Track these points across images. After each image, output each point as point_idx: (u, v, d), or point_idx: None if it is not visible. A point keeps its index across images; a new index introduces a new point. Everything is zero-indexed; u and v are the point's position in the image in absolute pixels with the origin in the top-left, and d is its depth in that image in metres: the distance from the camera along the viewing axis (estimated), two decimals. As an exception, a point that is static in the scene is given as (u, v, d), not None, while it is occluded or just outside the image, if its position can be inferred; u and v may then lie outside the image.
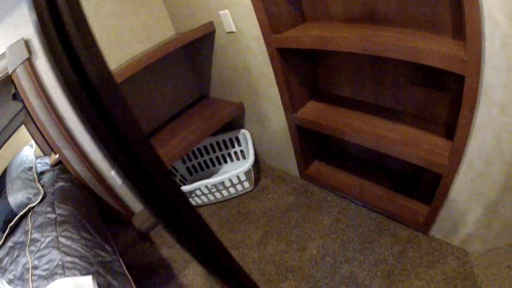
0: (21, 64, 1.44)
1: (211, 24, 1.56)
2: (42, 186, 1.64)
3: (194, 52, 1.78)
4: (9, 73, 1.47)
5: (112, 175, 1.69)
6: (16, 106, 1.91)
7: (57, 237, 1.23)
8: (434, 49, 0.93)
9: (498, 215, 1.11)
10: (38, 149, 2.08)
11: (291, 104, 1.48)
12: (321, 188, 1.72)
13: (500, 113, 0.92)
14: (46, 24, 0.29)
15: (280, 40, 1.29)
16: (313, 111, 1.50)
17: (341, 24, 1.29)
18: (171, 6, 1.75)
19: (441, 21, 1.06)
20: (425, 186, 1.49)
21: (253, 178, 1.78)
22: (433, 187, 1.25)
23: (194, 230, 0.37)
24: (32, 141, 2.06)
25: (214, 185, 1.65)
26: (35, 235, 1.30)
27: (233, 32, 1.50)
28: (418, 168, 1.27)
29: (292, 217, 1.60)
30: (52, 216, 1.38)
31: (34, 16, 0.28)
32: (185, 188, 1.64)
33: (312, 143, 1.74)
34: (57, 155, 1.71)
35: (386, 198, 1.50)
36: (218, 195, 1.74)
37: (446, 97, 1.21)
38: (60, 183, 1.66)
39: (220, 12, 1.47)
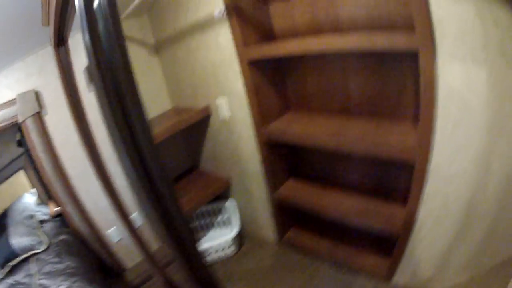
0: (31, 116, 1.53)
1: (208, 108, 1.80)
2: (46, 235, 1.74)
3: (189, 129, 1.93)
4: (19, 122, 1.54)
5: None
6: (18, 150, 1.99)
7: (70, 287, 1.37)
8: (391, 145, 1.19)
9: (453, 259, 1.30)
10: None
11: (273, 184, 1.72)
12: (296, 251, 1.92)
13: (446, 183, 1.14)
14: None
15: (268, 133, 1.55)
16: (291, 189, 1.75)
17: (319, 117, 1.57)
18: (171, 81, 1.96)
19: (402, 110, 1.34)
20: (387, 243, 1.67)
21: (237, 243, 1.98)
22: (394, 244, 1.45)
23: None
24: (33, 190, 2.15)
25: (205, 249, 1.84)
26: (44, 281, 1.42)
27: (227, 120, 1.74)
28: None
29: (270, 278, 1.79)
30: (61, 266, 1.51)
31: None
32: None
33: (289, 215, 1.96)
34: (59, 208, 1.83)
35: (353, 255, 1.72)
36: (207, 258, 1.91)
37: (402, 172, 1.46)
38: (64, 236, 1.78)
39: (217, 100, 1.71)
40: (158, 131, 1.63)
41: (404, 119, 1.34)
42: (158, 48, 1.94)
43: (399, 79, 1.30)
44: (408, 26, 1.04)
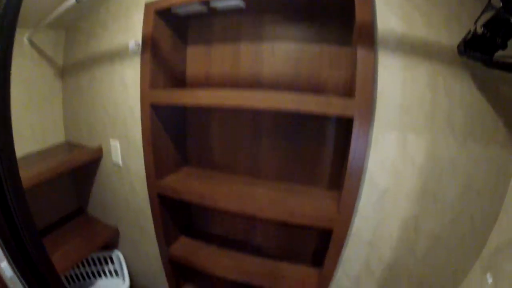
0: None
1: (101, 150, 1.61)
2: None
3: (79, 167, 1.70)
4: None
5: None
6: None
7: None
8: (306, 212, 1.10)
9: None
10: None
11: (165, 240, 1.55)
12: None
13: (368, 246, 1.13)
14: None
15: (162, 187, 1.39)
16: (185, 247, 1.59)
17: (222, 174, 1.46)
18: (69, 112, 1.73)
19: (320, 174, 1.29)
20: None
21: (129, 297, 1.76)
22: None
23: None
24: None
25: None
26: None
27: (119, 165, 1.56)
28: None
29: None
30: None
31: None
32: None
33: (182, 270, 1.78)
34: None
35: None
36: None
37: (312, 233, 1.42)
38: None
39: (112, 142, 1.54)
40: (40, 170, 1.37)
41: (319, 184, 1.31)
42: (64, 71, 1.70)
43: (315, 141, 1.28)
44: (339, 91, 1.03)
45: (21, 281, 0.78)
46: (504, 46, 0.72)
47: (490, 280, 0.91)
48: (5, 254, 0.73)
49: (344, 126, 1.16)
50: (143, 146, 1.38)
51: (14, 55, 1.41)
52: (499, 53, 0.75)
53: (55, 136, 1.77)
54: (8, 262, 0.74)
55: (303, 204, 1.17)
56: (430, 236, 1.06)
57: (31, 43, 1.52)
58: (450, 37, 0.90)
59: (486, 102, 0.91)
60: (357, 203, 1.06)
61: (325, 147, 1.27)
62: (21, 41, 1.48)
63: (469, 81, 0.91)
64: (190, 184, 1.37)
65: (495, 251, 0.95)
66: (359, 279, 1.22)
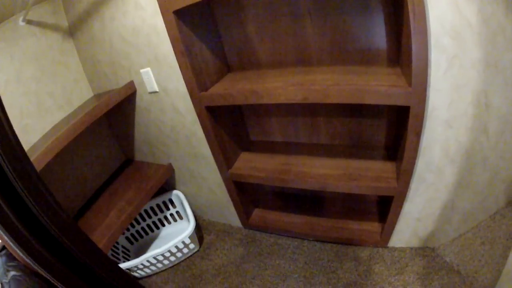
0: None
1: (131, 84, 1.48)
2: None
3: (115, 114, 1.67)
4: None
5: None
6: None
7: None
8: (377, 89, 0.96)
9: (456, 209, 1.20)
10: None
11: (225, 161, 1.44)
12: (268, 234, 1.70)
13: (446, 128, 1.01)
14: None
15: (209, 98, 1.25)
16: (248, 163, 1.48)
17: (270, 71, 1.30)
18: (89, 65, 1.63)
19: (376, 51, 1.11)
20: (375, 206, 1.56)
21: (197, 239, 1.70)
22: (384, 205, 1.29)
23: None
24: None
25: (162, 254, 1.54)
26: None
27: (156, 92, 1.44)
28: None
29: (247, 268, 1.54)
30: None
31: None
32: (132, 262, 1.49)
33: (250, 193, 1.72)
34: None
35: (336, 227, 1.54)
36: (166, 261, 1.61)
37: (382, 122, 1.28)
38: (12, 273, 1.42)
39: (141, 70, 1.41)
40: (78, 120, 1.29)
41: (378, 61, 1.14)
42: (72, 30, 1.58)
43: (366, 11, 1.07)
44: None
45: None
46: None
47: None
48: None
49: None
50: (177, 60, 1.23)
51: (15, 41, 1.35)
52: None
53: (82, 95, 1.68)
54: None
55: (369, 83, 1.00)
56: (500, 116, 0.96)
57: (29, 22, 1.43)
58: None
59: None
60: (429, 73, 0.92)
61: (376, 15, 1.06)
62: (18, 26, 1.41)
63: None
64: (240, 87, 1.22)
65: None
66: (440, 169, 1.11)
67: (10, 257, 1.52)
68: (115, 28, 1.38)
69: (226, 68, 1.42)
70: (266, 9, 1.21)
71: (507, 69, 0.88)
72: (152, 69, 1.38)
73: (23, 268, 1.44)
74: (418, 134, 1.01)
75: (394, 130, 1.27)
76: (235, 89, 1.21)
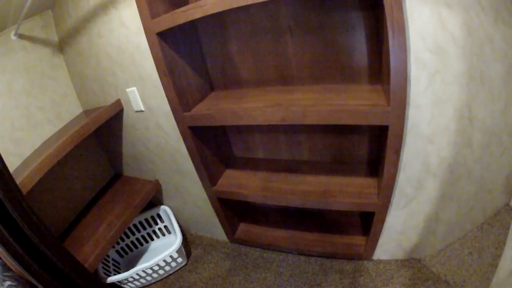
0: None
1: (118, 102, 1.50)
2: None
3: (103, 130, 1.68)
4: None
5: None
6: None
7: None
8: (355, 108, 0.96)
9: (441, 221, 1.21)
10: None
11: (208, 178, 1.46)
12: (253, 247, 1.73)
13: (427, 143, 1.02)
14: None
15: (192, 118, 1.27)
16: (232, 180, 1.50)
17: (252, 90, 1.32)
18: (77, 80, 1.65)
19: (357, 68, 1.12)
20: (358, 220, 1.58)
21: (184, 253, 1.72)
22: (367, 219, 1.31)
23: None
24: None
25: (151, 268, 1.56)
26: None
27: (141, 110, 1.46)
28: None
29: (234, 282, 1.56)
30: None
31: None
32: (122, 275, 1.51)
33: (235, 208, 1.74)
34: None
35: (320, 241, 1.56)
36: (155, 275, 1.63)
37: (364, 137, 1.29)
38: (8, 282, 1.41)
39: (128, 89, 1.43)
40: (67, 137, 1.32)
41: (359, 79, 1.15)
42: (62, 45, 1.61)
43: (348, 29, 1.09)
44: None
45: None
46: None
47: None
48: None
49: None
50: (161, 80, 1.25)
51: (7, 55, 1.37)
52: None
53: (71, 110, 1.70)
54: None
55: (348, 102, 1.01)
56: (485, 129, 0.96)
57: (20, 36, 1.46)
58: None
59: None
60: (408, 90, 0.92)
61: (357, 33, 1.08)
62: (9, 40, 1.44)
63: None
64: (221, 107, 1.24)
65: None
66: (422, 183, 1.13)
67: (6, 267, 1.54)
68: (102, 45, 1.41)
69: (210, 86, 1.45)
70: (248, 28, 1.24)
71: (493, 81, 0.88)
72: (138, 88, 1.40)
73: (18, 278, 1.46)
74: (398, 152, 1.02)
75: (376, 145, 1.29)
76: (216, 109, 1.23)
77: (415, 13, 0.83)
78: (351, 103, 1.00)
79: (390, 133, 0.97)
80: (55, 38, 1.61)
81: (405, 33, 0.83)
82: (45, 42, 1.59)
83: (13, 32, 1.42)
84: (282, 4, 1.15)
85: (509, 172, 1.03)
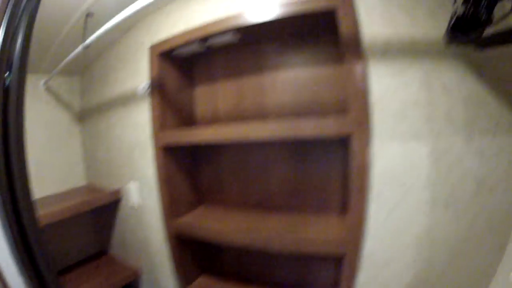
0: None
1: (118, 192, 1.62)
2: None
3: (100, 210, 1.70)
4: None
5: None
6: None
7: None
8: (315, 239, 1.05)
9: None
10: None
11: (184, 281, 1.49)
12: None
13: (384, 267, 1.01)
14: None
15: (178, 227, 1.37)
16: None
17: (235, 211, 1.43)
18: (88, 154, 1.79)
19: (330, 201, 1.23)
20: None
21: None
22: None
23: None
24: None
25: None
26: None
27: (137, 207, 1.56)
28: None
29: None
30: None
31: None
32: None
33: None
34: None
35: None
36: None
37: (329, 264, 1.31)
38: None
39: (129, 184, 1.56)
40: (60, 208, 1.40)
41: (331, 210, 1.25)
42: (82, 115, 1.78)
43: (324, 167, 1.24)
44: (340, 110, 0.99)
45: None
46: (490, 21, 0.69)
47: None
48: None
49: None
50: (159, 188, 1.39)
51: (32, 99, 1.43)
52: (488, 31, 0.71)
53: (76, 178, 1.80)
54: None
55: (313, 232, 1.11)
56: (448, 247, 0.95)
57: (48, 88, 1.59)
58: (437, 28, 0.84)
59: (487, 87, 0.83)
60: (367, 222, 0.98)
61: (334, 171, 1.21)
62: (38, 86, 1.54)
63: (464, 70, 0.84)
64: (204, 223, 1.35)
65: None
66: None
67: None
68: (116, 136, 1.57)
69: (200, 200, 1.57)
70: (240, 157, 1.42)
71: (459, 201, 0.89)
72: (137, 186, 1.53)
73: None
74: (352, 276, 1.03)
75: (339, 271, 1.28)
76: (199, 225, 1.34)
77: (381, 149, 0.91)
78: (316, 234, 1.09)
79: (345, 261, 1.02)
80: (76, 106, 1.75)
81: (367, 172, 0.91)
82: (67, 106, 1.71)
83: (43, 81, 1.52)
84: (271, 143, 1.34)
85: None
